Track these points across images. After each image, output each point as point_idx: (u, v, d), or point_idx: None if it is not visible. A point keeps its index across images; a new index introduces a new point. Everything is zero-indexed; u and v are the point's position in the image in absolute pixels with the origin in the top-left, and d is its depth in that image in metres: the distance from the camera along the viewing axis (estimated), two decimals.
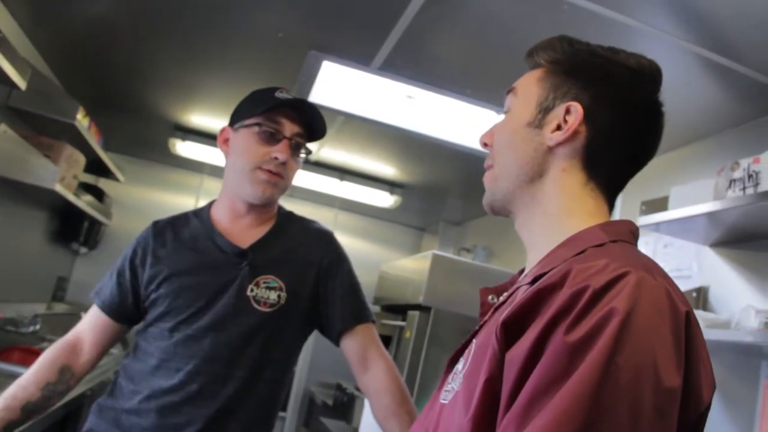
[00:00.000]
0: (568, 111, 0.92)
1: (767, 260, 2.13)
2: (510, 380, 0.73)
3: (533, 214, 0.96)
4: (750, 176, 1.89)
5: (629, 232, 0.91)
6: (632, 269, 0.75)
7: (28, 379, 1.54)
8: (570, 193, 0.93)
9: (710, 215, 1.98)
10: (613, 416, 0.66)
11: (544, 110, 0.95)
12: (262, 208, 1.69)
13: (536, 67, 1.01)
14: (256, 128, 1.62)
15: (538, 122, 0.95)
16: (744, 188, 1.90)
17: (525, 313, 0.76)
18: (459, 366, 0.88)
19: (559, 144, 0.93)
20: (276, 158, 1.60)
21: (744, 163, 1.92)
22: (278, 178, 1.63)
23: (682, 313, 0.75)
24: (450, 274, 3.37)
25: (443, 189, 4.42)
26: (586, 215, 0.92)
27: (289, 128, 1.64)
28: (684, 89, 2.20)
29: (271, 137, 1.62)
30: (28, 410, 1.52)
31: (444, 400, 0.88)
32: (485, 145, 1.05)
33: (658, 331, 0.71)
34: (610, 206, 0.97)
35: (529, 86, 1.00)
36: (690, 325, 0.75)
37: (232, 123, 1.69)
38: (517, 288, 0.89)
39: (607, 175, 0.95)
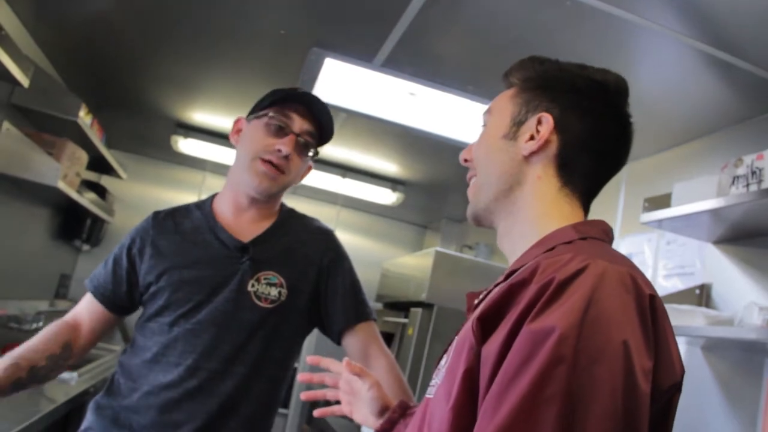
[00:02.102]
0: (539, 121, 0.99)
1: None
2: (486, 373, 0.78)
3: (514, 222, 1.02)
4: (753, 173, 1.88)
5: (601, 231, 0.97)
6: (594, 260, 0.79)
7: (37, 346, 1.53)
8: (546, 199, 0.99)
9: (713, 212, 1.97)
10: (577, 396, 0.70)
11: (518, 123, 1.03)
12: (263, 203, 1.68)
13: (510, 87, 1.09)
14: (266, 119, 1.62)
15: (512, 134, 1.03)
16: (747, 185, 1.89)
17: (498, 307, 0.82)
18: (442, 362, 0.94)
19: (533, 153, 0.99)
20: (279, 150, 1.59)
21: (747, 159, 1.92)
22: (278, 172, 1.62)
23: (645, 295, 0.79)
24: (452, 272, 3.38)
25: (445, 186, 4.42)
26: (562, 218, 0.98)
27: (299, 124, 1.64)
28: (687, 86, 2.20)
29: (279, 130, 1.62)
30: (32, 374, 1.49)
31: (429, 395, 0.93)
32: (465, 161, 1.12)
33: (624, 312, 0.76)
34: (586, 210, 1.03)
35: (503, 103, 1.07)
36: (655, 307, 0.79)
37: (248, 114, 1.70)
38: (495, 286, 0.94)
39: (581, 181, 1.01)
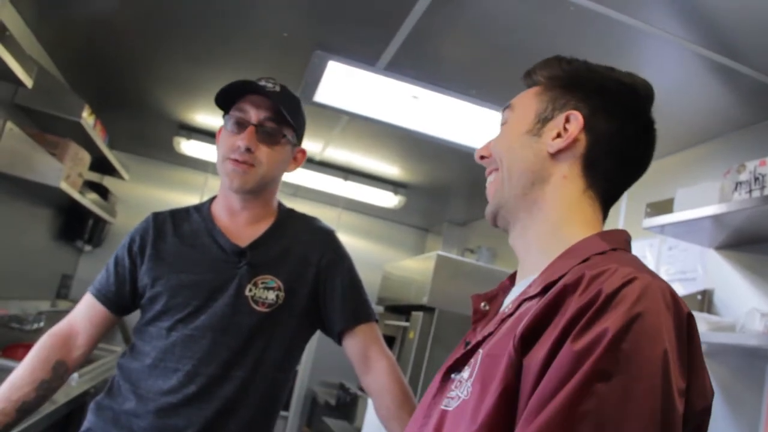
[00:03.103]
0: (568, 119, 0.97)
1: None
2: (528, 386, 0.75)
3: (533, 222, 0.99)
4: (756, 179, 1.88)
5: (624, 241, 0.96)
6: (640, 274, 0.77)
7: (23, 379, 1.52)
8: (569, 201, 0.97)
9: (716, 218, 1.97)
10: (614, 415, 0.68)
11: (543, 120, 1.00)
12: (253, 202, 1.66)
13: (533, 86, 1.06)
14: (227, 120, 1.62)
15: (537, 131, 1.00)
16: (750, 191, 1.89)
17: (540, 321, 0.78)
18: (464, 374, 0.88)
19: (560, 151, 0.97)
20: (239, 146, 1.57)
21: (750, 165, 1.92)
22: (245, 166, 1.58)
23: (684, 313, 0.77)
24: (454, 275, 3.37)
25: (447, 189, 4.42)
26: (583, 224, 0.95)
27: (255, 114, 1.59)
28: (690, 91, 2.20)
29: (240, 126, 1.60)
30: (23, 410, 1.50)
31: (447, 406, 0.88)
32: (482, 158, 1.09)
33: (666, 329, 0.74)
34: (605, 216, 1.01)
35: (527, 100, 1.04)
36: (691, 326, 0.78)
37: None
38: (525, 298, 0.90)
39: (605, 184, 0.99)
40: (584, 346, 0.71)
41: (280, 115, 1.61)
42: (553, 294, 0.79)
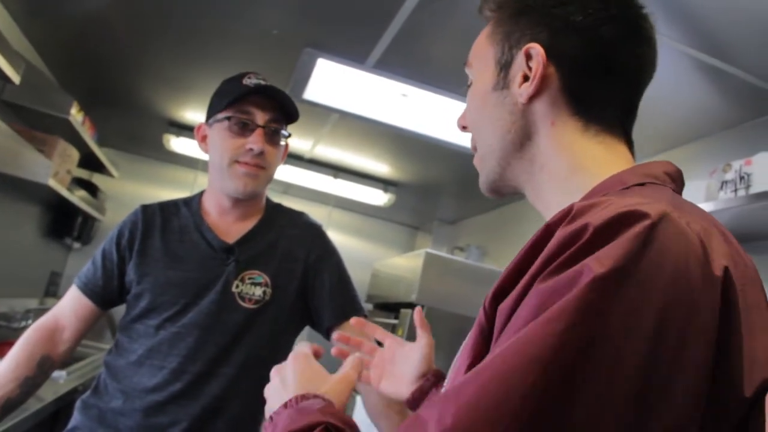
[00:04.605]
0: (528, 56, 0.79)
1: (758, 262, 2.13)
2: (497, 331, 0.63)
3: (540, 183, 0.81)
4: (742, 178, 1.90)
5: (664, 174, 0.75)
6: (650, 206, 0.58)
7: (6, 375, 1.50)
8: (571, 147, 0.78)
9: None
10: (566, 392, 0.52)
11: (504, 66, 0.82)
12: (247, 201, 1.66)
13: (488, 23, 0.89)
14: (227, 122, 1.58)
15: (503, 82, 0.82)
16: (736, 190, 1.91)
17: (519, 267, 0.64)
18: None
19: (533, 96, 0.79)
20: (251, 149, 1.56)
21: (736, 164, 1.93)
22: (258, 169, 1.59)
23: (713, 276, 0.57)
24: (443, 273, 3.38)
25: (437, 188, 4.43)
26: (599, 167, 0.76)
27: (261, 116, 1.59)
28: (676, 91, 2.21)
29: (244, 128, 1.58)
30: (7, 407, 1.49)
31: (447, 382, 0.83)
32: (464, 128, 0.93)
33: (680, 277, 0.55)
34: (629, 142, 0.82)
35: (482, 47, 0.87)
36: (729, 288, 0.58)
37: (207, 119, 1.66)
38: None
39: (607, 110, 0.79)
40: (552, 287, 0.56)
41: (282, 114, 1.62)
42: (534, 237, 0.64)
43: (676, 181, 0.76)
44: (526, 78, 0.79)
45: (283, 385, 0.90)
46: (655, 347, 0.53)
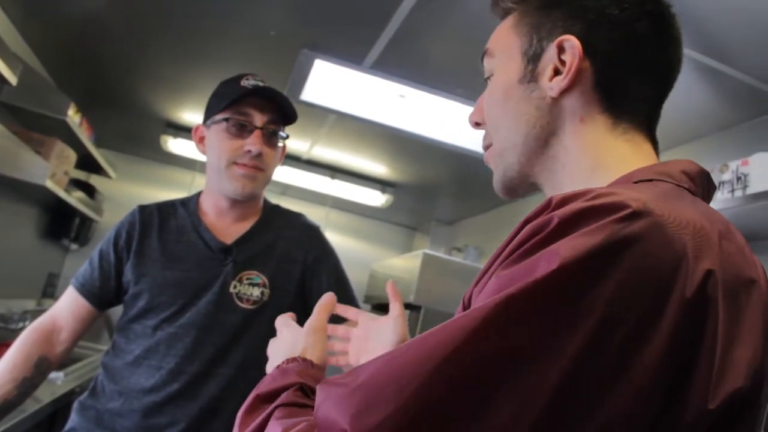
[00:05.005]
0: (561, 48, 0.76)
1: None
2: None
3: (561, 180, 0.78)
4: (739, 178, 1.90)
5: (680, 172, 0.71)
6: (631, 201, 0.55)
7: (3, 377, 1.51)
8: (597, 145, 0.76)
9: None
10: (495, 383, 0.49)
11: (533, 58, 0.79)
12: (245, 202, 1.66)
13: (506, 16, 0.86)
14: (225, 123, 1.58)
15: (530, 75, 0.79)
16: (733, 190, 1.91)
17: (495, 260, 0.62)
18: None
19: (564, 91, 0.76)
20: (249, 151, 1.57)
21: (733, 165, 1.93)
22: (256, 170, 1.60)
23: (687, 280, 0.53)
24: (440, 274, 3.37)
25: (435, 188, 4.42)
26: (622, 165, 0.73)
27: (259, 118, 1.60)
28: (674, 92, 2.21)
29: (242, 129, 1.59)
30: (4, 408, 1.50)
31: None
32: (477, 124, 0.88)
33: (618, 291, 0.51)
34: (654, 142, 0.80)
35: (505, 38, 0.83)
36: (708, 293, 0.54)
37: (204, 120, 1.66)
38: None
39: (636, 106, 0.78)
40: (510, 275, 0.54)
41: (280, 116, 1.62)
42: (512, 231, 0.62)
43: (695, 179, 0.72)
44: (556, 71, 0.76)
45: (272, 355, 0.99)
46: (595, 343, 0.50)
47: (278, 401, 0.75)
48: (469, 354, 0.50)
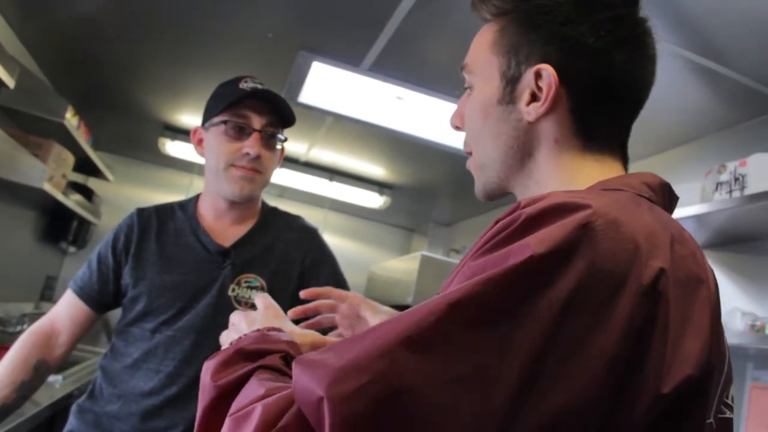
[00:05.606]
0: (539, 75, 0.77)
1: (753, 263, 2.15)
2: None
3: (533, 195, 0.74)
4: (736, 179, 1.90)
5: (641, 183, 0.75)
6: (592, 202, 0.60)
7: (2, 380, 1.50)
8: (569, 165, 0.79)
9: (697, 218, 1.99)
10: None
11: (511, 81, 0.80)
12: (243, 204, 1.66)
13: (485, 22, 0.88)
14: (223, 126, 1.58)
15: (509, 97, 0.80)
16: (731, 191, 1.91)
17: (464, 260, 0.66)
18: None
19: (540, 116, 0.78)
20: (247, 153, 1.57)
21: (731, 166, 1.93)
22: (254, 173, 1.59)
23: (640, 275, 0.57)
24: (439, 275, 3.38)
25: (433, 190, 4.43)
26: (588, 182, 0.76)
27: (258, 120, 1.59)
28: (671, 92, 2.22)
29: (241, 132, 1.58)
30: (3, 412, 1.49)
31: None
32: (457, 128, 0.92)
33: (580, 281, 0.55)
34: (623, 158, 0.82)
35: (485, 56, 0.85)
36: (660, 289, 0.58)
37: (203, 122, 1.66)
38: None
39: (609, 129, 0.80)
40: (481, 264, 0.58)
41: (278, 119, 1.62)
42: (485, 231, 0.65)
43: (656, 191, 0.75)
44: (533, 97, 0.78)
45: (249, 324, 0.95)
46: (557, 330, 0.53)
47: (262, 361, 0.74)
48: (446, 327, 0.53)
